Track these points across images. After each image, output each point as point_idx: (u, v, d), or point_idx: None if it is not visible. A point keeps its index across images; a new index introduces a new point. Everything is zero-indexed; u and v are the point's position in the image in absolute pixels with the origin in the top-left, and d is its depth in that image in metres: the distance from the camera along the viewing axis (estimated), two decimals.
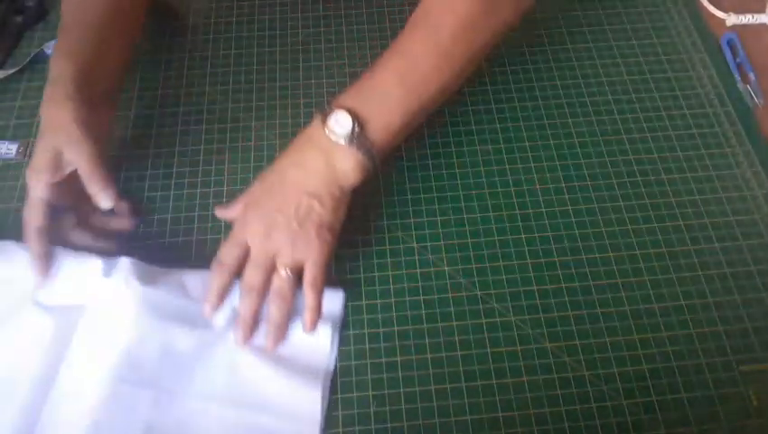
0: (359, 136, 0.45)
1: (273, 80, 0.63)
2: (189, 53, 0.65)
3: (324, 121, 0.45)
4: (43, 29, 0.67)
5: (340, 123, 0.44)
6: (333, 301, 0.49)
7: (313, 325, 0.47)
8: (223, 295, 0.47)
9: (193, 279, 0.49)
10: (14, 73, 0.63)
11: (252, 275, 0.46)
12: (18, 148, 0.58)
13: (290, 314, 0.47)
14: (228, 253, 0.46)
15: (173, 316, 0.47)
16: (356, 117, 0.45)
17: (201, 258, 0.52)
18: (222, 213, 0.52)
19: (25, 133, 0.59)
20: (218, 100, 0.62)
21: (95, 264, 0.48)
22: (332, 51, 0.65)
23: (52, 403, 0.44)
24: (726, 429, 0.45)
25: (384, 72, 0.47)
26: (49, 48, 0.64)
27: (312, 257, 0.46)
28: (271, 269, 0.46)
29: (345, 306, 0.49)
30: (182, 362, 0.46)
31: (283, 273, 0.45)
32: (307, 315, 0.47)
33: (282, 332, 0.47)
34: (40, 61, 0.64)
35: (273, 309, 0.46)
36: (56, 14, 0.68)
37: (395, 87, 0.47)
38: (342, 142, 0.45)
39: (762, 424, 0.45)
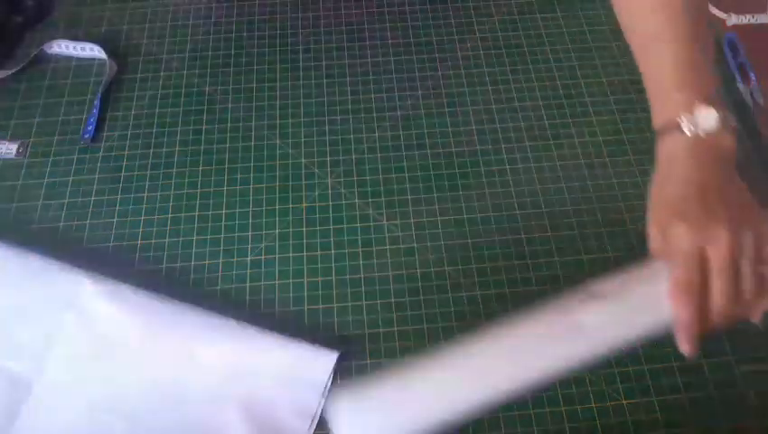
0: (723, 114, 0.43)
1: (273, 80, 0.63)
2: (189, 53, 0.65)
3: (682, 129, 0.43)
4: (43, 29, 0.67)
5: (705, 118, 0.43)
6: (324, 363, 0.47)
7: None
8: (701, 316, 0.40)
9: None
10: (14, 73, 0.63)
11: (729, 281, 0.39)
12: (18, 148, 0.58)
13: None
14: (691, 274, 0.40)
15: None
16: (708, 103, 0.43)
17: (201, 257, 0.52)
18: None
19: (25, 133, 0.59)
20: (218, 100, 0.62)
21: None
22: (332, 52, 0.65)
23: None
24: (726, 429, 0.45)
25: (684, 51, 0.46)
26: (50, 48, 0.64)
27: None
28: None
29: (336, 369, 0.47)
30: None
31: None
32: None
33: None
34: (40, 61, 0.64)
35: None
36: (56, 14, 0.68)
37: (700, 55, 0.45)
38: (715, 131, 0.43)
39: (762, 424, 0.45)
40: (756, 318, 0.40)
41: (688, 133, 0.43)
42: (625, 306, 0.42)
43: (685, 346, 0.40)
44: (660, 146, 0.45)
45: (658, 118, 0.45)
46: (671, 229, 0.41)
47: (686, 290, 0.39)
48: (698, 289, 0.39)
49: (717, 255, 0.39)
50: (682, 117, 0.43)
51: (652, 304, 0.41)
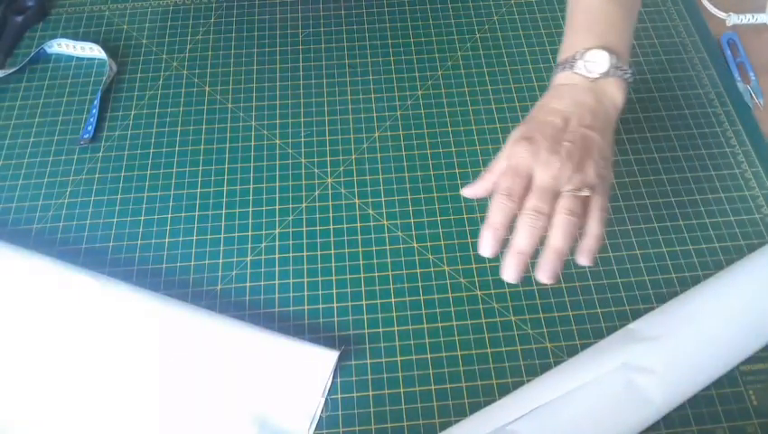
0: (616, 64, 0.45)
1: (273, 80, 0.63)
2: (189, 53, 0.65)
3: (573, 68, 0.46)
4: (43, 29, 0.67)
5: (596, 62, 0.45)
6: (324, 363, 0.47)
7: (592, 254, 0.42)
8: (508, 227, 0.42)
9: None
10: (13, 73, 0.63)
11: (540, 200, 0.41)
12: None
13: (575, 238, 0.42)
14: (513, 183, 0.42)
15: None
16: (605, 49, 0.45)
17: (201, 257, 0.52)
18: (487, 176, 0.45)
19: (25, 133, 0.59)
20: (218, 100, 0.62)
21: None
22: (332, 52, 0.65)
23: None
24: (726, 429, 0.45)
25: (601, 4, 0.48)
26: (50, 47, 0.64)
27: (601, 186, 0.43)
28: (556, 197, 0.42)
29: (337, 369, 0.47)
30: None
31: (580, 194, 0.42)
32: (589, 241, 0.42)
33: (563, 260, 0.41)
34: (40, 61, 0.64)
35: (560, 233, 0.41)
36: (56, 13, 0.68)
37: (616, 12, 0.48)
38: (604, 76, 0.45)
39: (762, 424, 0.45)
40: (583, 259, 0.42)
41: (577, 71, 0.45)
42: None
43: (483, 246, 0.42)
44: (552, 78, 0.48)
45: (559, 55, 0.48)
46: (517, 145, 0.43)
47: (503, 196, 0.42)
48: (516, 201, 0.42)
49: (541, 177, 0.42)
50: (576, 56, 0.46)
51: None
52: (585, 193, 0.41)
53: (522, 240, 0.41)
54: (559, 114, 0.44)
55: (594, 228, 0.42)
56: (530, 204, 0.41)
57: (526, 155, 0.42)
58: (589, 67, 0.45)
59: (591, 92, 0.45)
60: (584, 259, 0.43)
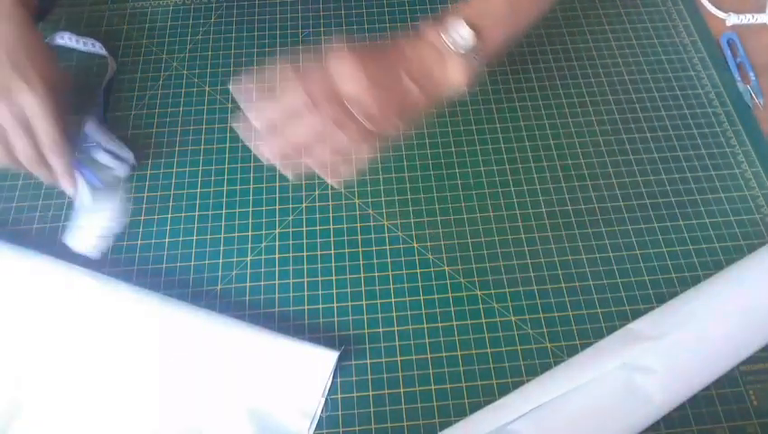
0: (475, 48, 0.46)
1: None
2: (189, 53, 0.65)
3: (440, 29, 0.46)
4: (43, 29, 0.67)
5: (461, 35, 0.45)
6: (324, 363, 0.47)
7: (340, 177, 0.45)
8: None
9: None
10: None
11: (333, 108, 0.43)
12: None
13: (342, 154, 0.44)
14: (317, 85, 0.44)
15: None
16: (475, 30, 0.46)
17: (201, 257, 0.52)
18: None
19: None
20: (218, 100, 0.62)
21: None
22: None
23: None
24: (726, 429, 0.45)
25: None
26: (53, 40, 0.64)
27: (385, 126, 0.44)
28: (347, 114, 0.43)
29: (337, 369, 0.47)
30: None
31: (366, 123, 0.43)
32: (344, 165, 0.45)
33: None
34: None
35: (333, 141, 0.43)
36: (56, 14, 0.68)
37: (505, 7, 0.48)
38: (460, 51, 0.45)
39: (762, 424, 0.45)
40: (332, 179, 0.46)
41: (443, 35, 0.45)
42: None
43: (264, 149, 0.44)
44: (425, 26, 0.47)
45: (449, 7, 0.47)
46: (344, 53, 0.44)
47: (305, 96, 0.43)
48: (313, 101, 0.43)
49: (345, 90, 0.42)
50: (454, 22, 0.46)
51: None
52: (369, 125, 0.43)
53: (296, 130, 0.43)
54: (399, 59, 0.45)
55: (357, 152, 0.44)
56: (323, 108, 0.42)
57: (347, 66, 0.43)
58: (455, 38, 0.45)
59: (441, 59, 0.45)
60: (333, 180, 0.46)
